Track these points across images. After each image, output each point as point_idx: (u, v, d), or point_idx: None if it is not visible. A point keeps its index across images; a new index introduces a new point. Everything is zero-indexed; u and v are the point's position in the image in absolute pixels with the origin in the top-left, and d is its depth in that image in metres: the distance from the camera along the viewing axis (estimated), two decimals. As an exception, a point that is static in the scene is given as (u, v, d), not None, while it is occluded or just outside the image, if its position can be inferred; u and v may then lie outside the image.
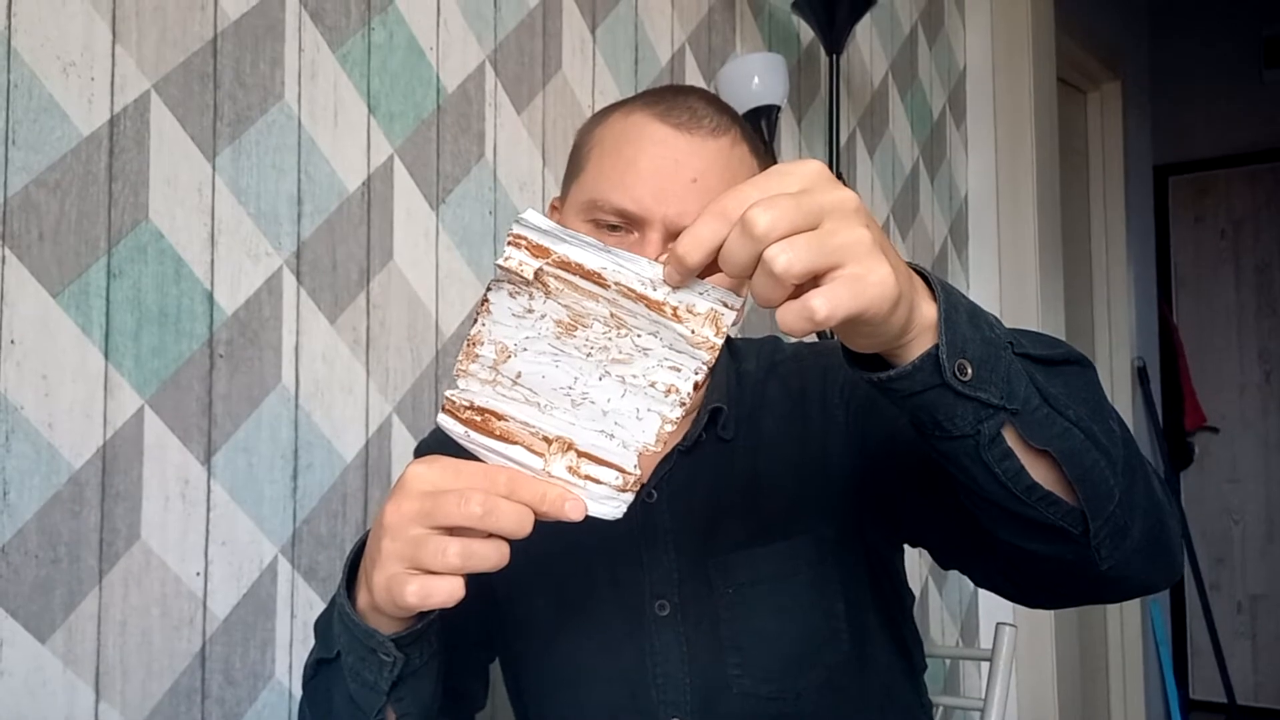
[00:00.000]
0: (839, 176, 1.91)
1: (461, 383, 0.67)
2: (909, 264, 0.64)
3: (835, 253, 0.56)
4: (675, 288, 0.63)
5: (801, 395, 1.00)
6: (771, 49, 1.98)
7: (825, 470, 0.97)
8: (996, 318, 0.68)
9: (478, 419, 0.67)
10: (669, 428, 0.66)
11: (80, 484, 0.99)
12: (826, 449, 0.97)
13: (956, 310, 0.64)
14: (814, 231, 0.56)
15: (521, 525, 0.64)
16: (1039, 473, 0.67)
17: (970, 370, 0.63)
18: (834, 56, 1.84)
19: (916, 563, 2.34)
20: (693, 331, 0.63)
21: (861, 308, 0.56)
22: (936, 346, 0.62)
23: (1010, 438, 0.66)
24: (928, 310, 0.63)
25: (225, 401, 1.10)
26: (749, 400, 1.01)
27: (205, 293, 1.09)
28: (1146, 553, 0.74)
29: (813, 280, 0.57)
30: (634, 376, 0.65)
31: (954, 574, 2.52)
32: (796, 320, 0.56)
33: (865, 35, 2.27)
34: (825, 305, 0.55)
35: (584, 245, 0.64)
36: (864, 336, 0.62)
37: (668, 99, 0.92)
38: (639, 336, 0.65)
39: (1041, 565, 0.76)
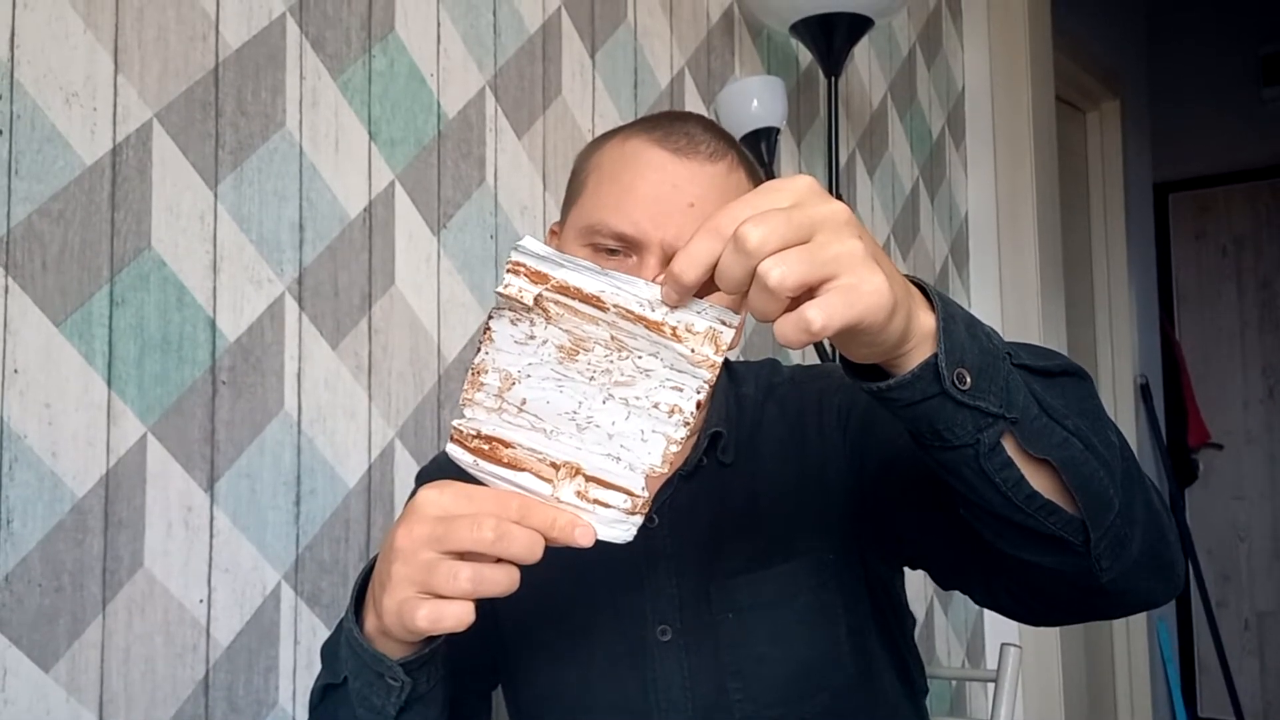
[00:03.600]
0: (839, 197, 1.92)
1: (468, 411, 0.67)
2: (907, 276, 0.64)
3: (828, 264, 0.57)
4: (673, 307, 0.63)
5: (799, 418, 1.01)
6: (770, 72, 1.99)
7: (824, 492, 0.97)
8: (994, 329, 0.69)
9: (485, 447, 0.67)
10: (674, 448, 0.66)
11: (83, 512, 0.99)
12: (825, 471, 0.98)
13: (954, 320, 0.64)
14: (806, 245, 0.57)
15: (532, 551, 0.65)
16: (1039, 482, 0.67)
17: (969, 379, 0.63)
18: (832, 78, 1.85)
19: (921, 584, 2.33)
20: (693, 350, 0.64)
21: (857, 317, 0.57)
22: (935, 355, 0.63)
23: (1010, 447, 0.66)
24: (926, 320, 0.63)
25: (228, 428, 1.10)
26: (748, 424, 1.02)
27: (208, 320, 1.09)
28: (1148, 565, 0.74)
29: (808, 293, 0.57)
30: (637, 398, 0.66)
31: (960, 595, 2.51)
32: (794, 332, 0.57)
33: (864, 57, 2.28)
34: (821, 316, 0.56)
35: (581, 269, 0.64)
36: (862, 346, 0.62)
37: (665, 124, 0.93)
38: (640, 358, 0.65)
39: (1043, 579, 0.76)
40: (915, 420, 0.66)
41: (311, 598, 1.17)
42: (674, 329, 0.64)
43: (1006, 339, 0.71)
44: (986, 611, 2.64)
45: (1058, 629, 2.57)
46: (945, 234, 2.60)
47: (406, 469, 1.28)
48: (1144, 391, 3.80)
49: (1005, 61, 2.69)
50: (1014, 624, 2.56)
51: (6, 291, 0.95)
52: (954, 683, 2.46)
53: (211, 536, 1.09)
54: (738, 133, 1.77)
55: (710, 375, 0.64)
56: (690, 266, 0.59)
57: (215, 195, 1.10)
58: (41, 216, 0.97)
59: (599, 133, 1.41)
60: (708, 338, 0.64)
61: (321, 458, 1.19)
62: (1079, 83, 3.53)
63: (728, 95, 1.79)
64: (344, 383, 1.22)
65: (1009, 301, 2.64)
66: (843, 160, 2.15)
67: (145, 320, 1.04)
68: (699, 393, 0.65)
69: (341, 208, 1.22)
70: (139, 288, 1.04)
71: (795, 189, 0.60)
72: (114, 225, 1.02)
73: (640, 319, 0.64)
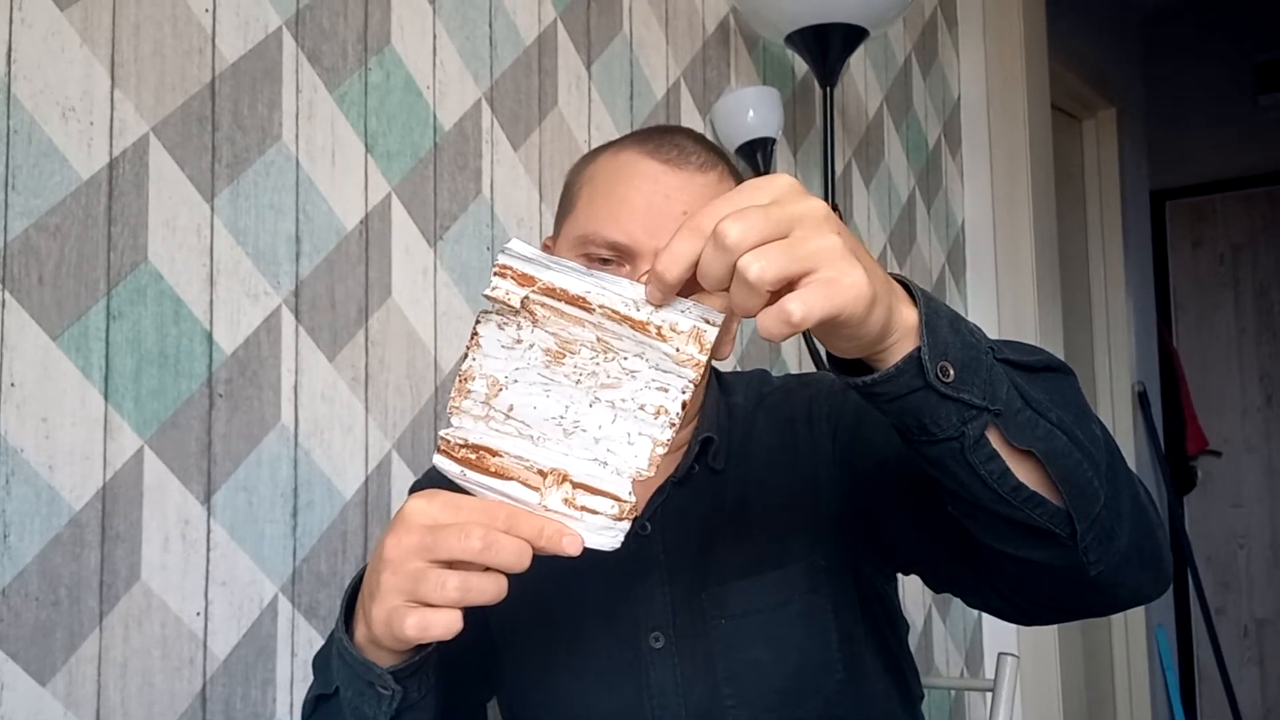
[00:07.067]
0: (835, 208, 1.93)
1: (455, 420, 0.68)
2: (890, 273, 0.65)
3: (806, 259, 0.58)
4: (658, 306, 0.64)
5: (789, 425, 1.02)
6: (766, 82, 2.00)
7: (814, 498, 0.98)
8: (977, 325, 0.70)
9: (473, 457, 0.67)
10: (660, 450, 0.67)
11: (80, 526, 0.99)
12: (815, 478, 0.98)
13: (937, 315, 0.66)
14: (785, 240, 0.58)
15: (520, 560, 0.65)
16: (1024, 474, 0.69)
17: (953, 372, 0.65)
18: (828, 89, 1.86)
19: (919, 593, 2.33)
20: (677, 350, 0.64)
21: (836, 309, 0.58)
22: (919, 349, 0.64)
23: (994, 439, 0.68)
24: (908, 314, 0.65)
25: (225, 441, 1.10)
26: (739, 432, 1.02)
27: (204, 333, 1.09)
28: (1136, 559, 0.75)
29: (789, 287, 0.58)
30: (623, 400, 0.66)
31: (958, 603, 2.51)
32: (774, 324, 0.58)
33: (859, 67, 2.29)
34: (800, 308, 0.57)
35: (567, 270, 0.65)
36: (845, 340, 0.63)
37: (656, 137, 0.95)
38: (625, 359, 0.66)
39: (1033, 576, 0.77)
40: (901, 415, 0.67)
41: (309, 610, 1.18)
42: (659, 328, 0.64)
43: (1001, 344, 0.72)
44: (985, 621, 2.64)
45: (1056, 636, 2.57)
46: (942, 243, 2.61)
47: (403, 481, 1.28)
48: (1142, 399, 3.80)
49: (1001, 70, 2.70)
50: (1012, 633, 2.56)
51: (3, 306, 0.95)
52: (952, 692, 2.46)
53: (208, 549, 1.09)
54: (734, 143, 1.78)
55: (695, 375, 0.65)
56: (672, 264, 0.61)
57: (212, 209, 1.11)
58: (38, 231, 0.97)
59: (595, 144, 1.41)
60: (692, 337, 0.64)
61: (318, 470, 1.19)
62: (1075, 91, 3.54)
63: (724, 106, 1.79)
64: (341, 395, 1.22)
65: (1006, 310, 2.65)
66: (839, 170, 2.15)
67: (142, 334, 1.04)
68: (684, 393, 0.66)
69: (338, 220, 1.23)
70: (136, 301, 1.04)
71: (774, 187, 0.61)
72: (110, 239, 1.03)
73: (625, 319, 0.64)
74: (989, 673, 2.59)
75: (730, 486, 1.00)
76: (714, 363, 0.69)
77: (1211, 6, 4.23)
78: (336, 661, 0.77)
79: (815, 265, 0.58)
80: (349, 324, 1.23)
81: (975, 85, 2.74)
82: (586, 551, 0.66)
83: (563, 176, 1.03)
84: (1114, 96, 3.77)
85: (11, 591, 0.94)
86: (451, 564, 0.65)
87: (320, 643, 1.17)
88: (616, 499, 0.67)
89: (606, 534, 0.67)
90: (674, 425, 0.66)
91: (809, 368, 2.02)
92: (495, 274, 0.66)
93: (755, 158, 1.77)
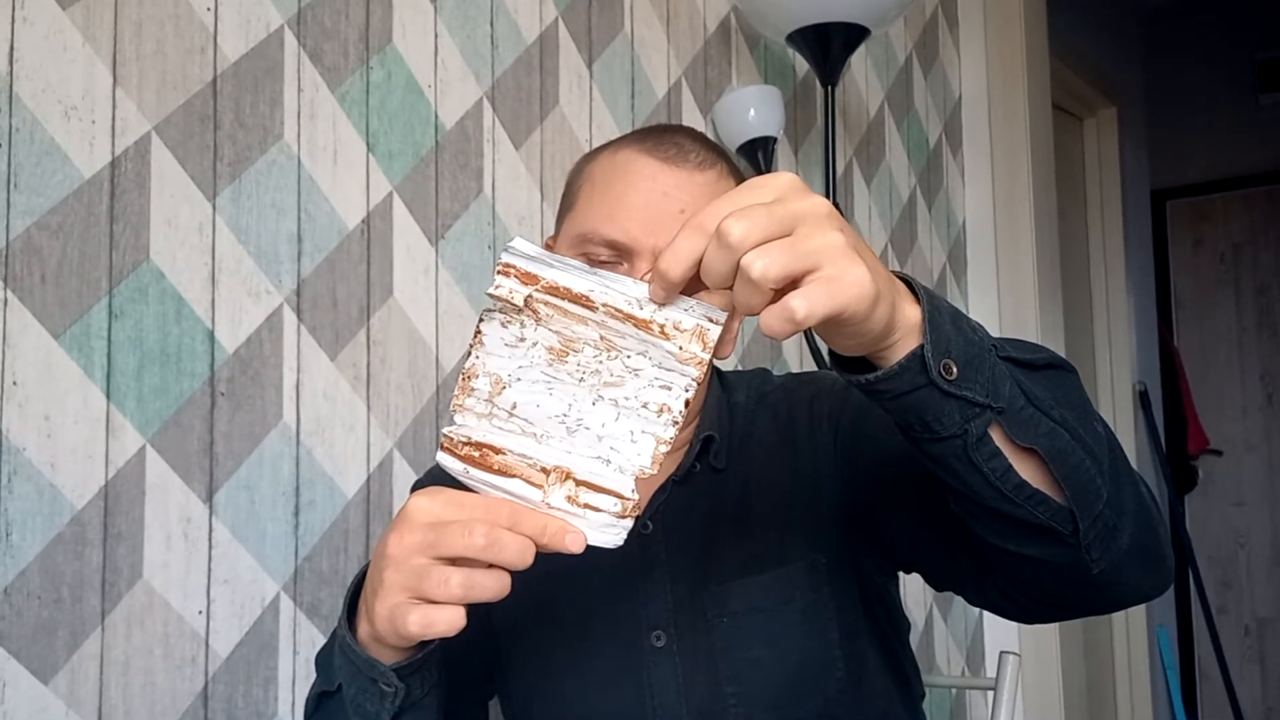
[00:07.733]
0: (836, 207, 1.93)
1: (458, 418, 0.68)
2: (893, 271, 0.65)
3: (809, 256, 0.58)
4: (661, 305, 0.64)
5: (790, 424, 1.02)
6: (767, 81, 2.00)
7: (816, 497, 0.98)
8: (979, 323, 0.70)
9: (476, 454, 0.67)
10: (663, 449, 0.67)
11: (82, 524, 0.99)
12: (816, 476, 0.98)
13: (940, 313, 0.66)
14: (788, 238, 0.58)
15: (523, 557, 0.65)
16: (1027, 472, 0.69)
17: (955, 370, 0.65)
18: (829, 88, 1.86)
19: (920, 592, 2.33)
20: (681, 348, 0.64)
21: (839, 307, 0.58)
22: (921, 346, 0.64)
23: (997, 437, 0.68)
24: (911, 312, 0.65)
25: (226, 440, 1.10)
26: (740, 430, 1.03)
27: (206, 332, 1.09)
28: (1138, 557, 0.75)
29: (792, 285, 0.58)
30: (626, 399, 0.66)
31: (959, 602, 2.51)
32: (777, 322, 0.58)
33: (860, 66, 2.29)
34: (804, 305, 0.57)
35: (571, 269, 0.65)
36: (847, 337, 0.63)
37: (655, 135, 0.95)
38: (629, 357, 0.66)
39: (1035, 573, 0.77)
40: (904, 413, 0.67)
41: (311, 609, 1.18)
42: (662, 326, 0.64)
43: (1002, 343, 0.72)
44: (986, 619, 2.64)
45: (1057, 635, 2.57)
46: (943, 243, 2.61)
47: (405, 480, 1.28)
48: (1143, 399, 3.80)
49: (1002, 70, 2.70)
50: (1014, 632, 2.56)
51: (5, 304, 0.95)
52: (954, 691, 2.46)
53: (210, 548, 1.09)
54: (735, 142, 1.78)
55: (698, 373, 0.65)
56: (676, 262, 0.61)
57: (214, 207, 1.11)
58: (40, 230, 0.97)
59: (596, 143, 1.41)
60: (695, 335, 0.64)
61: (320, 469, 1.19)
62: (1076, 90, 3.54)
63: (725, 105, 1.79)
64: (342, 394, 1.22)
65: (1007, 310, 2.65)
66: (840, 169, 2.15)
67: (144, 332, 1.04)
68: (687, 391, 0.66)
69: (340, 219, 1.23)
70: (137, 300, 1.04)
71: (777, 185, 0.61)
72: (113, 238, 1.03)
73: (629, 317, 0.64)
74: (990, 671, 2.59)
75: (731, 485, 1.00)
76: (715, 361, 0.68)
77: (1212, 5, 4.23)
78: (339, 658, 0.77)
79: (818, 263, 0.58)
80: (350, 323, 1.23)
81: (976, 84, 2.74)
82: (589, 549, 0.66)
83: (564, 176, 1.03)
84: (1115, 95, 3.77)
85: (14, 590, 0.94)
86: (454, 561, 0.66)
87: (322, 641, 1.17)
88: (620, 497, 0.67)
89: (610, 532, 0.67)
90: (677, 423, 0.66)
91: (810, 366, 2.02)
92: (499, 272, 0.66)
93: (756, 157, 1.77)
